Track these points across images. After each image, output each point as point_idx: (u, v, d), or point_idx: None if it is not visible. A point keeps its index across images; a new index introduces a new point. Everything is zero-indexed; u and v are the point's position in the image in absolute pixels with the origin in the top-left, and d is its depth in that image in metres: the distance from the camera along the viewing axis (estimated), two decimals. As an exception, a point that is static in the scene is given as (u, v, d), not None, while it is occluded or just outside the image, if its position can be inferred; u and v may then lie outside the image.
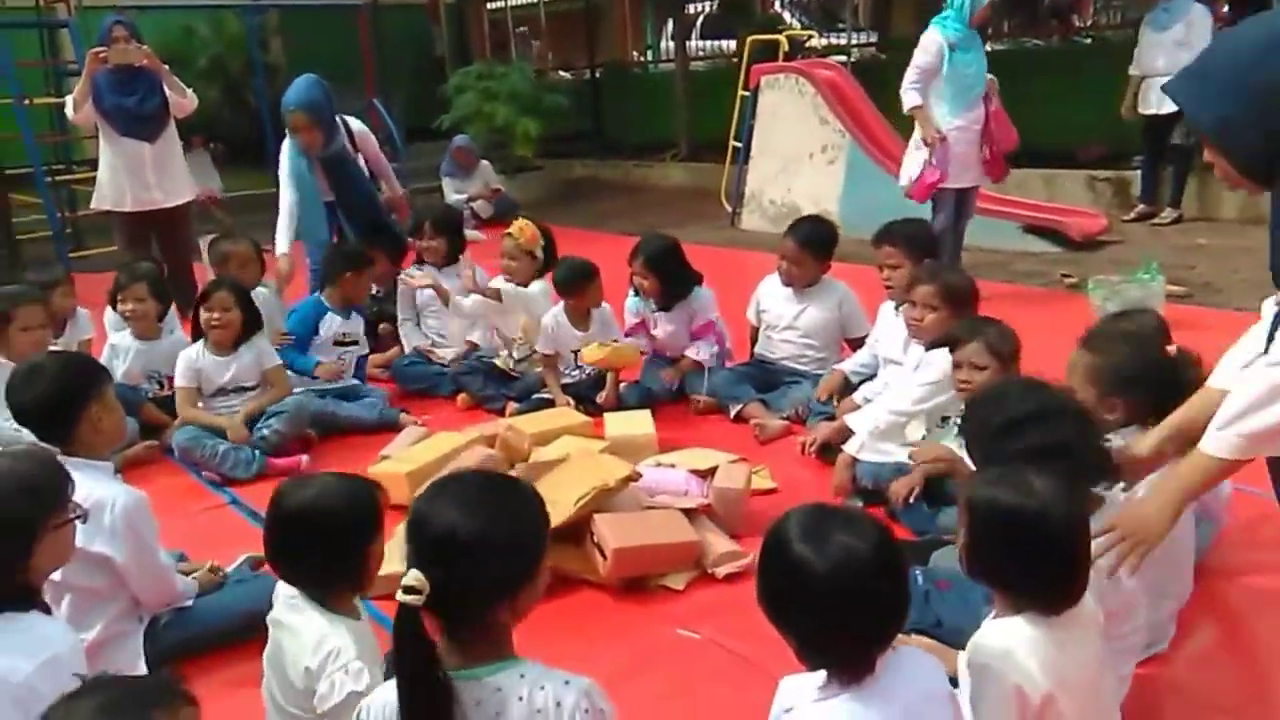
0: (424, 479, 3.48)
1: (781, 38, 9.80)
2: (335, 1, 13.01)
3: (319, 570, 2.01)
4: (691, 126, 12.49)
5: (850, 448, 3.42)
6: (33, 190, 8.76)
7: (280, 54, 14.90)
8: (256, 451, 4.02)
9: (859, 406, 3.71)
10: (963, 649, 1.80)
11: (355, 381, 4.72)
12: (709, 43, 17.45)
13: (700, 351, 4.43)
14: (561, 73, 16.39)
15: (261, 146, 10.73)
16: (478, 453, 3.39)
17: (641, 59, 16.76)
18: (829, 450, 3.66)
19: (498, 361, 4.70)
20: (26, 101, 8.29)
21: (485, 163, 10.27)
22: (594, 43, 15.65)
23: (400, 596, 1.49)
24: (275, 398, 4.22)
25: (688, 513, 3.03)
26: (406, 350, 5.14)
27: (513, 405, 4.45)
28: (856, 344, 4.29)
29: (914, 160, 5.74)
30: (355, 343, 4.77)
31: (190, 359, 4.17)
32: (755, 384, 4.31)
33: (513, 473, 3.27)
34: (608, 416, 4.02)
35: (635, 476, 3.01)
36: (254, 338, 4.26)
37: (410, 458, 3.62)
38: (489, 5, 18.42)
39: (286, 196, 5.21)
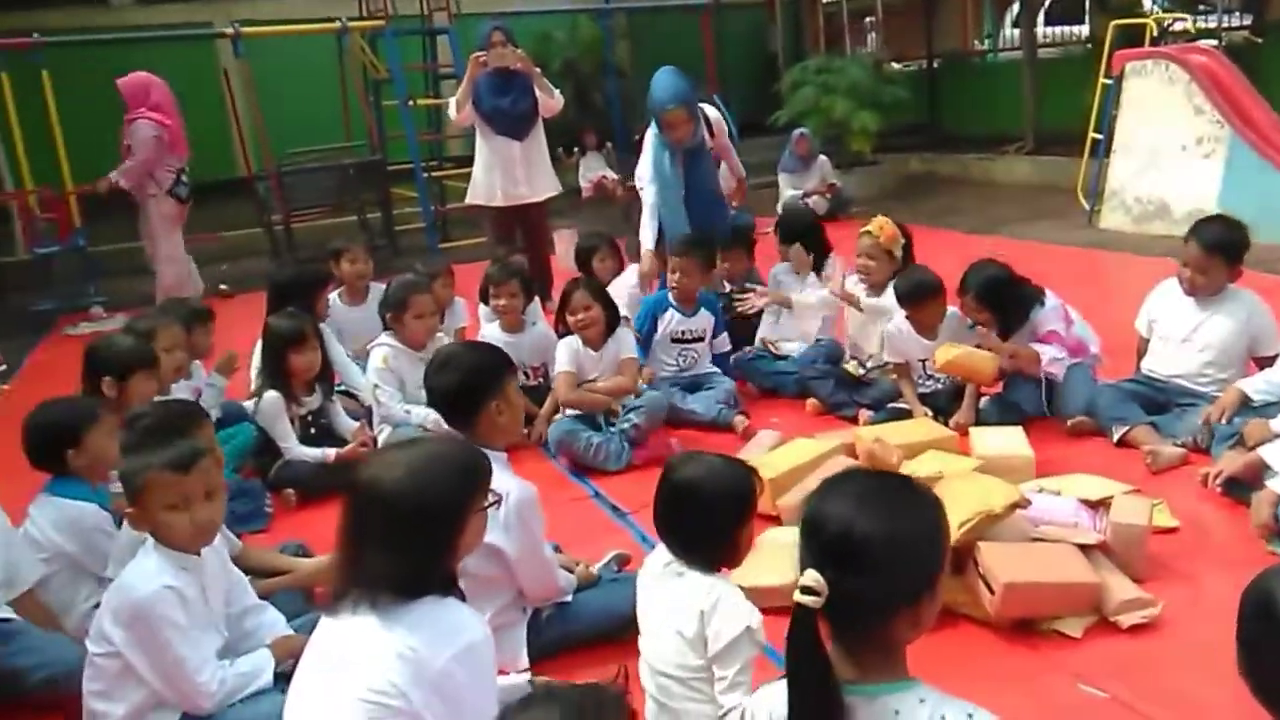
0: (785, 487, 3.44)
1: (1149, 21, 8.85)
2: (681, 3, 13.34)
3: (700, 542, 2.15)
4: (1037, 118, 11.65)
5: (1276, 485, 2.97)
6: (410, 185, 9.67)
7: (626, 56, 15.56)
8: (626, 444, 4.13)
9: (1273, 434, 3.22)
10: None
11: (709, 369, 4.75)
12: (1056, 29, 16.27)
13: (1049, 359, 4.01)
14: (896, 64, 15.89)
15: (605, 144, 11.28)
16: (842, 464, 3.27)
17: (981, 48, 15.88)
18: (1237, 486, 3.21)
19: (849, 367, 4.54)
20: (410, 103, 9.12)
21: (823, 157, 10.11)
22: (931, 32, 15.04)
23: (797, 597, 1.42)
24: (617, 386, 4.30)
25: (1082, 549, 2.74)
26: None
27: (866, 414, 4.29)
28: (1264, 363, 3.75)
29: None
30: (698, 339, 4.79)
31: (573, 348, 4.35)
32: (1143, 404, 3.86)
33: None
34: (974, 432, 3.73)
35: (1024, 503, 2.76)
36: (618, 330, 4.39)
37: (770, 463, 3.53)
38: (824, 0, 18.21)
39: (650, 192, 5.27)
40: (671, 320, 4.71)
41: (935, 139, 13.37)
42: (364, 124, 9.93)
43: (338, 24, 9.11)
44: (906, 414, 4.12)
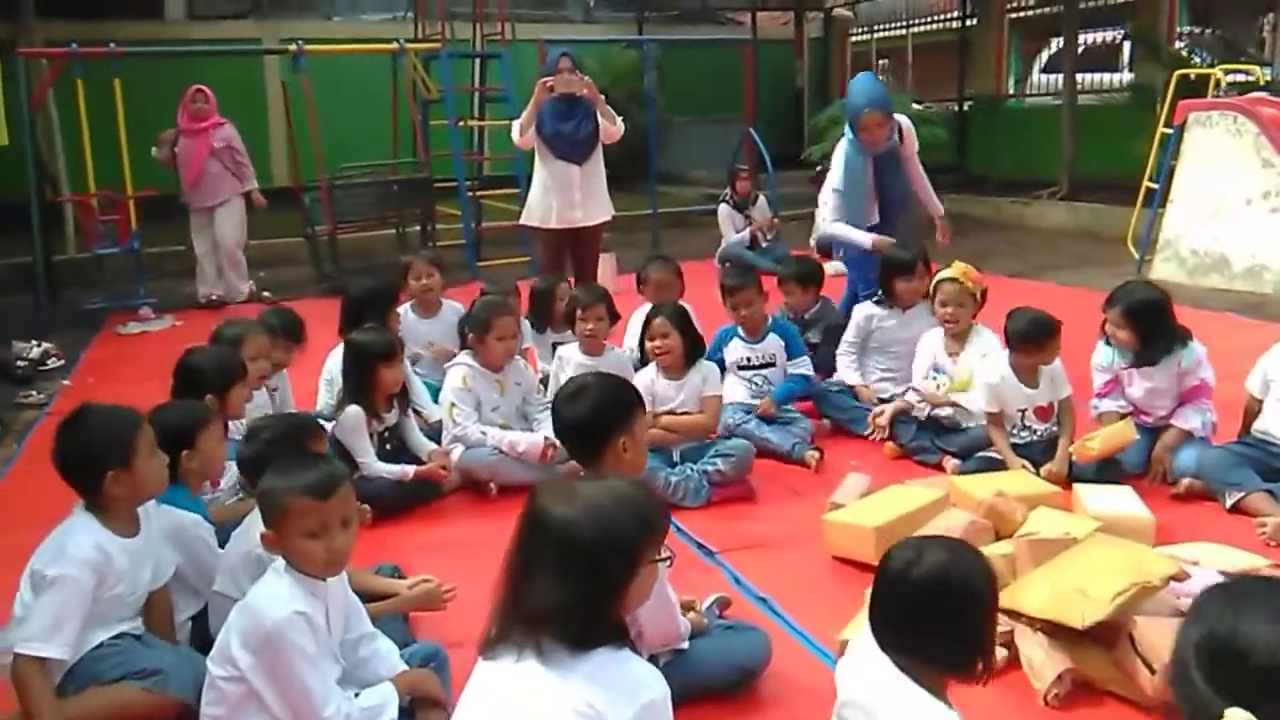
0: (892, 537, 3.31)
1: (1215, 71, 8.87)
2: (718, 37, 13.42)
3: (933, 645, 1.86)
4: (1073, 164, 11.69)
5: None
6: (449, 202, 9.64)
7: (655, 86, 15.62)
8: (705, 481, 4.03)
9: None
10: None
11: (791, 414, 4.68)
12: (1086, 75, 16.33)
13: (1189, 419, 3.95)
14: (922, 104, 15.96)
15: (635, 171, 11.29)
16: (956, 518, 3.18)
17: (1012, 92, 15.95)
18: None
19: (938, 412, 4.46)
20: (461, 123, 9.11)
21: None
22: (964, 73, 15.12)
23: None
24: (695, 425, 4.22)
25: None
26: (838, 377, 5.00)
27: (954, 462, 4.20)
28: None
29: None
30: (767, 365, 4.74)
31: (646, 381, 4.24)
32: (1256, 468, 3.75)
33: (1005, 547, 3.04)
34: (1080, 490, 3.62)
35: (1182, 575, 2.64)
36: (700, 362, 4.31)
37: (871, 512, 3.44)
38: (852, 38, 18.34)
39: (831, 207, 5.42)
40: (736, 349, 4.71)
41: (963, 180, 13.39)
42: (411, 141, 9.91)
43: (395, 45, 9.15)
44: (996, 464, 4.01)
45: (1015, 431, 4.16)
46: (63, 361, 6.70)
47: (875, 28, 18.05)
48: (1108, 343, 4.12)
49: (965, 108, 14.81)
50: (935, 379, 4.55)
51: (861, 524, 3.34)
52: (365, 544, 3.60)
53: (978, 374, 4.25)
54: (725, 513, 3.97)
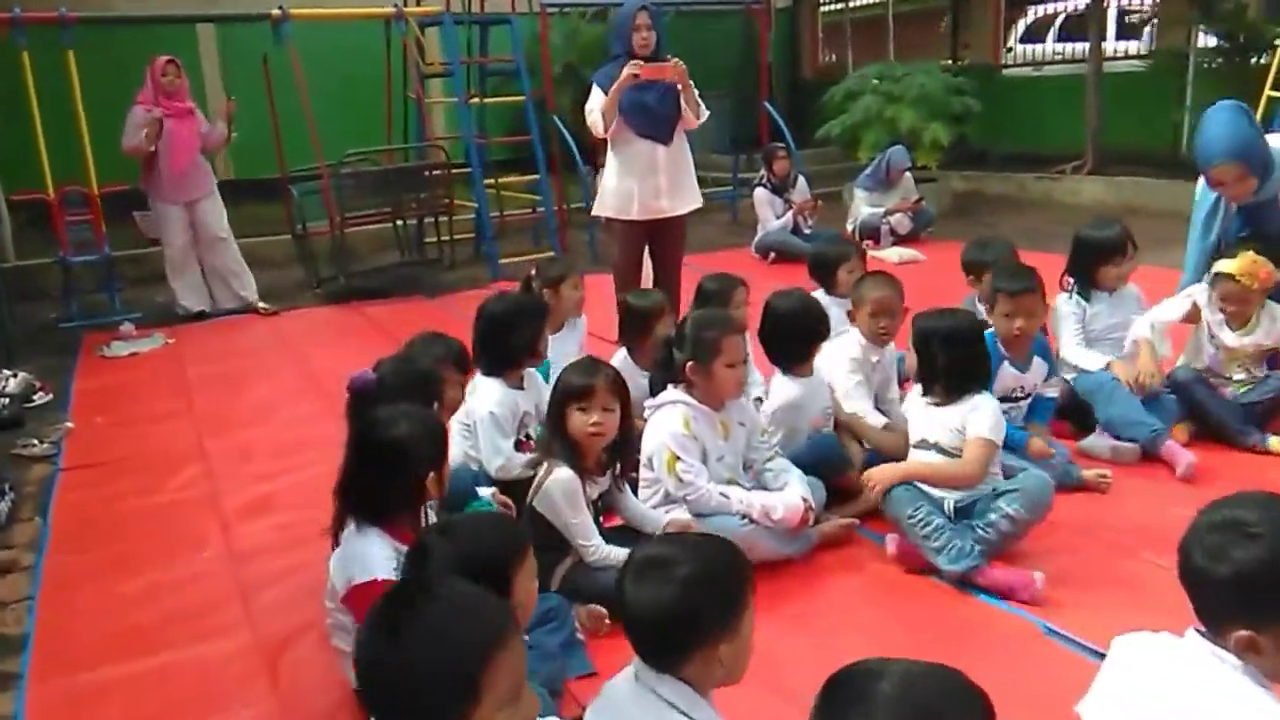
0: None
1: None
2: (715, 7, 12.37)
3: None
4: (1098, 136, 11.12)
5: None
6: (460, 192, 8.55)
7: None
8: (977, 547, 3.04)
9: None
10: None
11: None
12: (1068, 46, 15.91)
13: None
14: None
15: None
16: None
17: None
18: None
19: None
20: (476, 100, 8.05)
21: (907, 173, 9.32)
22: (957, 42, 14.48)
23: None
24: (954, 474, 3.22)
25: None
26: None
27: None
28: None
29: None
30: (1026, 397, 3.89)
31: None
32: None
33: None
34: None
35: None
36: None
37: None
38: (824, 8, 17.59)
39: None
40: (1005, 378, 3.77)
41: (962, 156, 12.75)
42: (411, 123, 8.76)
43: (393, 8, 7.94)
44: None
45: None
46: (50, 395, 5.53)
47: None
48: None
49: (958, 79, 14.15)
50: (1212, 340, 4.08)
51: None
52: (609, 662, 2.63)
53: None
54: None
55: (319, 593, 3.17)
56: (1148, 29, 13.12)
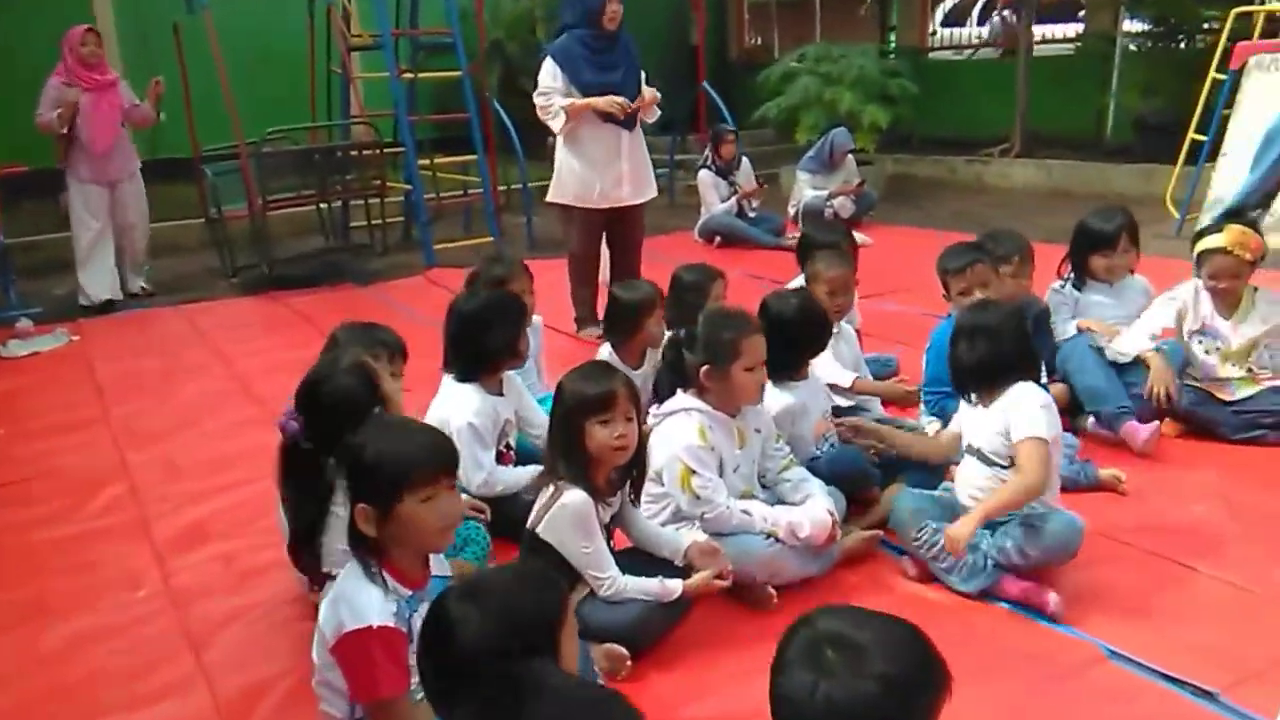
0: None
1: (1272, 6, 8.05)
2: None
3: None
4: (1026, 119, 11.10)
5: None
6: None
7: (546, 36, 14.11)
8: (990, 563, 2.82)
9: None
10: None
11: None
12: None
13: None
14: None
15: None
16: None
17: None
18: None
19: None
20: (410, 75, 7.55)
21: (849, 155, 9.10)
22: (884, 24, 14.37)
23: None
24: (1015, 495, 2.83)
25: None
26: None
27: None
28: None
29: None
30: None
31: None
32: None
33: None
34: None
35: None
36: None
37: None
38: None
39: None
40: None
41: (890, 139, 12.64)
42: (336, 98, 8.19)
43: (318, -29, 7.38)
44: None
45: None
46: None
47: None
48: None
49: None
50: (1202, 343, 3.90)
51: None
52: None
53: None
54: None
55: (279, 639, 2.77)
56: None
